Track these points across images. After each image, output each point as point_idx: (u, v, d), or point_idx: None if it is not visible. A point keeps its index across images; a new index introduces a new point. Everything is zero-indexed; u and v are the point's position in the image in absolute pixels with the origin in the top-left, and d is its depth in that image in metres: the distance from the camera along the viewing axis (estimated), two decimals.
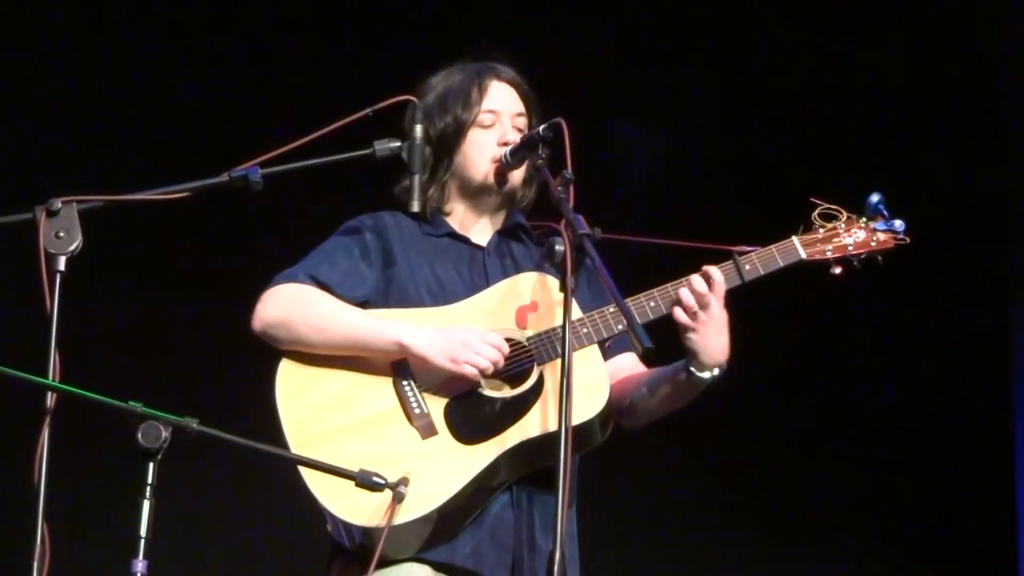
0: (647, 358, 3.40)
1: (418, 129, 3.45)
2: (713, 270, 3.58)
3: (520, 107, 3.80)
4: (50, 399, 2.96)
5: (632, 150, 6.15)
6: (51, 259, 3.03)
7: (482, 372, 3.55)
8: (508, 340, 3.60)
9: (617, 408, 3.71)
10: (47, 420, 2.96)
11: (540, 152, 3.61)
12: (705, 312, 3.55)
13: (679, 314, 3.56)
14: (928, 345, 6.17)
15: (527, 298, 3.67)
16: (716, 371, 3.58)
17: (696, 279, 3.58)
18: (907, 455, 6.22)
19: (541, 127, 3.61)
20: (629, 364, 3.79)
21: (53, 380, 2.97)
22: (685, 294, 3.57)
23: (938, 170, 6.10)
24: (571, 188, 3.46)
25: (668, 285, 3.62)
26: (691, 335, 3.56)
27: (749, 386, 5.86)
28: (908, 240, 3.74)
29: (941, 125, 6.15)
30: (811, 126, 6.15)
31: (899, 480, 6.23)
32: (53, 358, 2.99)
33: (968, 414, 6.17)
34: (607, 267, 3.30)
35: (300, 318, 3.62)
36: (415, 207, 3.48)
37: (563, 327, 3.30)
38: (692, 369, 3.58)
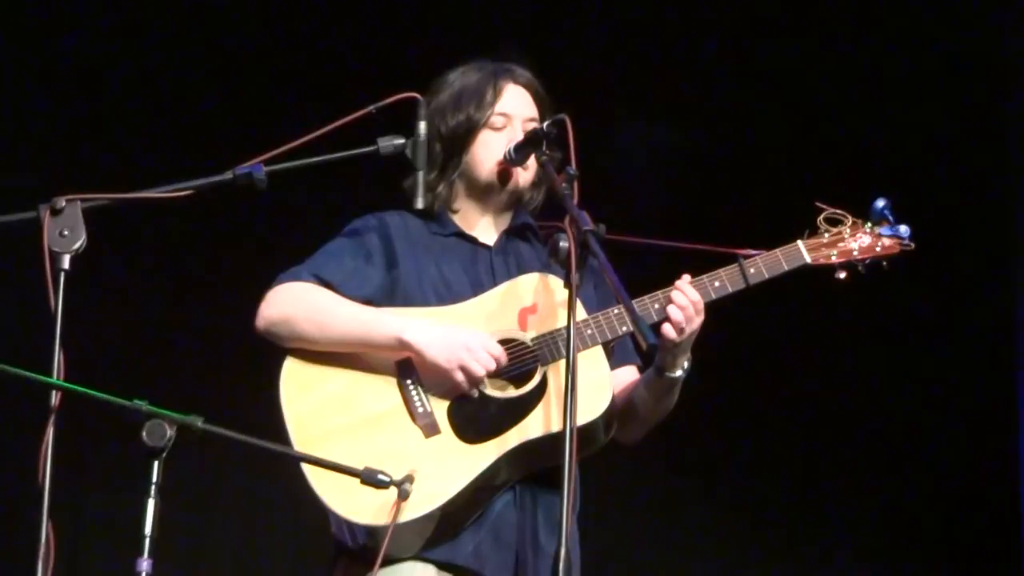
0: (651, 354, 3.39)
1: (422, 126, 3.44)
2: (685, 286, 3.58)
3: (533, 112, 3.78)
4: (54, 398, 2.97)
5: (639, 151, 6.15)
6: (55, 257, 3.03)
7: (476, 380, 3.54)
8: (512, 341, 3.60)
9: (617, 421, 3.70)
10: (52, 419, 2.96)
11: (544, 148, 3.60)
12: (699, 316, 3.56)
13: (676, 313, 3.54)
14: (932, 343, 6.17)
15: (529, 300, 3.65)
16: (686, 365, 3.60)
17: (688, 288, 3.57)
18: (911, 455, 6.21)
19: (545, 123, 3.60)
20: (628, 377, 3.78)
21: (57, 379, 2.97)
22: (682, 296, 3.56)
23: (942, 168, 6.10)
24: (575, 184, 3.46)
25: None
26: (676, 337, 3.54)
27: (751, 386, 5.87)
28: (913, 246, 3.73)
29: (945, 125, 6.14)
30: (817, 129, 6.15)
31: (903, 480, 6.22)
32: (57, 357, 2.99)
33: (972, 413, 6.16)
34: (611, 263, 3.30)
35: (302, 315, 3.61)
36: (419, 204, 3.46)
37: (567, 321, 3.30)
38: (665, 371, 3.59)
